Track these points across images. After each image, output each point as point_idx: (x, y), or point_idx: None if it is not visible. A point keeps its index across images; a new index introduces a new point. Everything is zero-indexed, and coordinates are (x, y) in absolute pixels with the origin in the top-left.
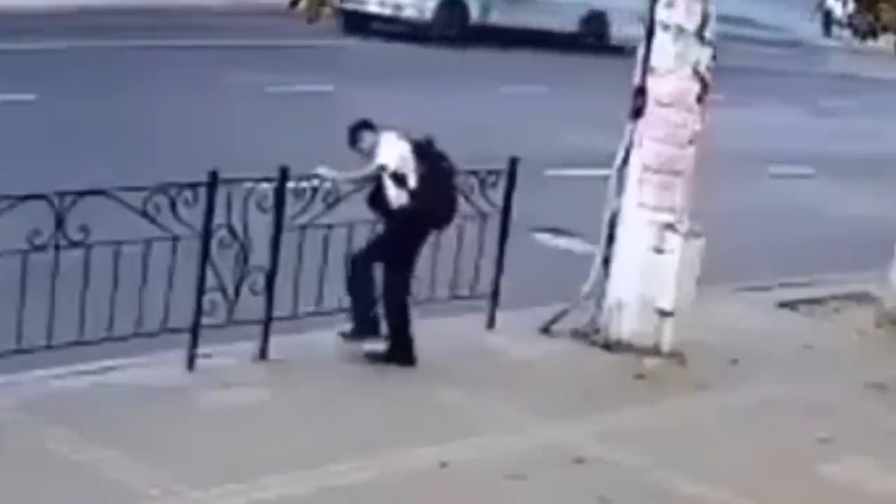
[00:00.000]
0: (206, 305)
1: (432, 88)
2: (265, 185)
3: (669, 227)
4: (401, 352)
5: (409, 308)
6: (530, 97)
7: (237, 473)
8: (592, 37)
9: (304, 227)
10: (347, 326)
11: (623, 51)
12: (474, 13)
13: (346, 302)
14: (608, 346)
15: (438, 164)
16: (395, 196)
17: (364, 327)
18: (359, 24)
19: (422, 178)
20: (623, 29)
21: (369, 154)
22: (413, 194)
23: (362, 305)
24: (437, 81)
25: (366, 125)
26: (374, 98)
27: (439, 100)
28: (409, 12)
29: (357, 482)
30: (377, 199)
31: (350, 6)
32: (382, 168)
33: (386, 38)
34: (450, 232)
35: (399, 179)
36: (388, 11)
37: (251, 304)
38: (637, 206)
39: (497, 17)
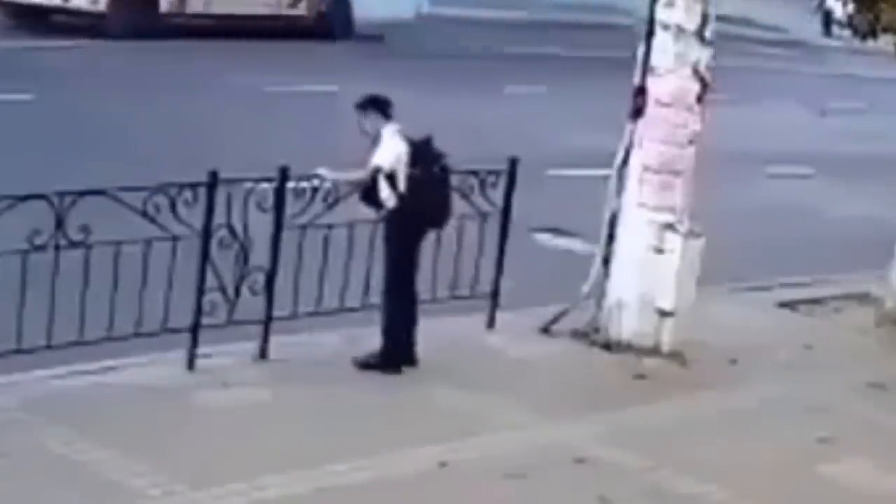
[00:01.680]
0: (206, 305)
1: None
2: (265, 185)
3: (669, 226)
4: (402, 352)
5: (416, 310)
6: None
7: (237, 473)
8: (330, 22)
9: (304, 227)
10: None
11: (373, 38)
12: (165, 1)
13: (347, 302)
14: (608, 346)
15: (431, 168)
16: (387, 197)
17: (385, 361)
18: (32, 19)
19: (410, 181)
20: (371, 12)
21: (373, 140)
22: (402, 197)
23: (391, 340)
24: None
25: (374, 102)
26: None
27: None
28: (77, 1)
29: (357, 482)
30: (370, 194)
31: None
32: (377, 170)
33: (65, 35)
34: (450, 232)
35: (391, 180)
36: (55, 0)
37: (251, 304)
38: (637, 206)
39: (198, 5)
